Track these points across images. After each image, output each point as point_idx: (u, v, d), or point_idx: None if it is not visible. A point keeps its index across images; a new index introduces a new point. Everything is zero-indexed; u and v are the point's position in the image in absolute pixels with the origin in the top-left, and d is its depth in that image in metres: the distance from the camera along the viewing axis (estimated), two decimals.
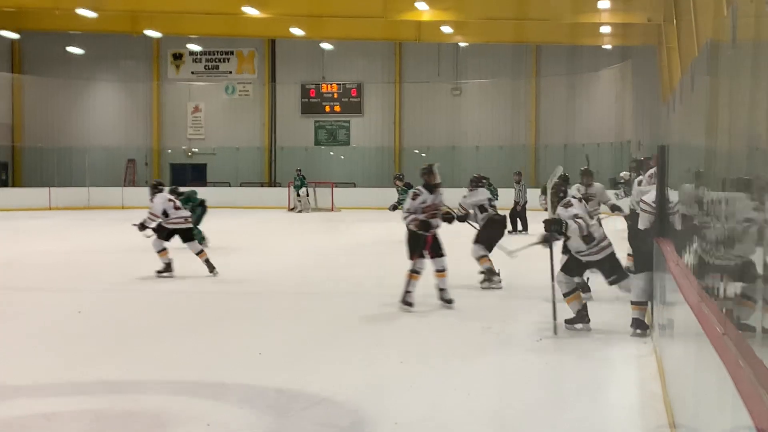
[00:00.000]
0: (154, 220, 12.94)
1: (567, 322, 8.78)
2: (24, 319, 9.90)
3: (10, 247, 18.87)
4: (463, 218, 12.62)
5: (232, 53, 39.72)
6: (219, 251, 15.28)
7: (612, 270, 9.03)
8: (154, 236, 13.10)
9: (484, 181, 13.47)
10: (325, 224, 25.91)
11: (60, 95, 39.78)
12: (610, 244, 9.09)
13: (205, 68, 40.12)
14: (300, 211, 31.65)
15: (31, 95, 39.88)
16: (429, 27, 33.14)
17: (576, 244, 8.93)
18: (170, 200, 13.21)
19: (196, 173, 38.45)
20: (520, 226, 20.33)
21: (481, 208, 12.57)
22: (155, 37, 37.19)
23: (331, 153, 38.93)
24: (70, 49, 38.90)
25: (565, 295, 8.84)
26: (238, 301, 11.30)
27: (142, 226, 12.91)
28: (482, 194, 12.80)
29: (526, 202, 21.02)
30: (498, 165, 36.53)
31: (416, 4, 28.80)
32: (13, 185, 38.24)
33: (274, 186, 37.32)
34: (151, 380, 6.92)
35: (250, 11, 30.19)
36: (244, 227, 24.48)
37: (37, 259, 16.35)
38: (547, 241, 8.88)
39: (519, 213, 20.60)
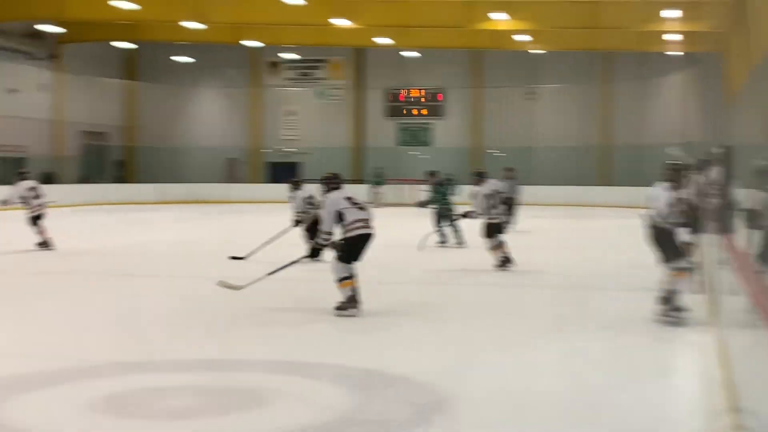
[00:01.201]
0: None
1: None
2: (137, 301, 10.10)
3: (124, 237, 19.32)
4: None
5: (323, 61, 39.98)
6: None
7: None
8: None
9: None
10: (396, 218, 25.78)
11: (169, 100, 40.52)
12: None
13: (298, 75, 40.46)
14: (376, 206, 31.59)
15: (143, 100, 40.66)
16: (506, 36, 32.96)
17: None
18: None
19: (290, 171, 38.70)
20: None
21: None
22: (254, 47, 37.59)
23: (414, 153, 38.92)
24: (179, 58, 39.60)
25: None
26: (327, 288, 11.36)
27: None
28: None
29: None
30: (570, 164, 36.42)
31: (494, 15, 28.73)
32: (127, 181, 39.02)
33: (361, 183, 37.49)
34: (249, 360, 7.00)
35: (340, 22, 30.43)
36: None
37: (147, 247, 16.69)
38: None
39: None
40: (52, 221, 15.91)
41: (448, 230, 16.08)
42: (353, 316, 8.71)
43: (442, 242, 16.13)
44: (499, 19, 29.22)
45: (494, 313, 9.53)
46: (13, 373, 6.49)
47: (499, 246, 12.71)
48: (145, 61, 40.25)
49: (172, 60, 39.70)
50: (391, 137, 39.85)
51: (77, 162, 36.99)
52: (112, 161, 39.76)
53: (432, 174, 17.16)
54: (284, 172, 37.18)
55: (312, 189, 13.53)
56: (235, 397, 5.92)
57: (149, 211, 28.94)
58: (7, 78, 33.10)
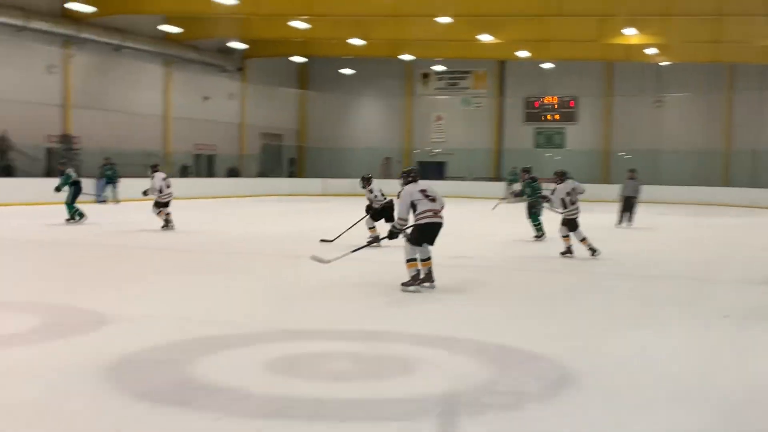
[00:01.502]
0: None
1: None
2: (306, 278, 10.34)
3: (293, 223, 19.81)
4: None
5: (469, 72, 39.90)
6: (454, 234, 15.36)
7: None
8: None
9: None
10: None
11: (334, 107, 41.20)
12: None
13: (446, 85, 40.52)
14: (507, 202, 31.28)
15: (313, 107, 41.56)
16: (637, 49, 32.18)
17: None
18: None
19: (438, 169, 38.86)
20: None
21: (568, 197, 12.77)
22: (408, 60, 37.87)
23: (549, 154, 38.38)
24: (344, 70, 40.24)
25: None
26: (467, 272, 11.38)
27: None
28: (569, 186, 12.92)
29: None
30: (693, 166, 35.39)
31: (626, 30, 28.13)
32: (298, 176, 39.96)
33: (498, 180, 37.22)
34: (399, 332, 7.10)
35: (485, 38, 30.40)
36: (466, 214, 24.58)
37: (311, 233, 17.05)
38: None
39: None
40: (235, 208, 16.40)
41: (534, 221, 15.66)
42: (417, 291, 8.98)
43: (538, 236, 15.54)
44: (630, 34, 28.59)
45: (611, 297, 9.35)
46: (204, 336, 6.78)
47: (568, 237, 12.75)
48: (315, 73, 41.09)
49: (338, 72, 40.38)
50: (529, 140, 39.36)
51: (257, 159, 38.15)
52: (286, 159, 40.80)
53: (526, 170, 16.52)
54: (431, 169, 37.33)
55: (377, 185, 14.39)
56: (387, 364, 6.02)
57: (315, 202, 29.53)
58: (202, 87, 34.42)
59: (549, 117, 39.19)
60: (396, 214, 9.12)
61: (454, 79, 40.35)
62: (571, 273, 11.56)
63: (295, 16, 28.57)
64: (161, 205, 16.33)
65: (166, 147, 32.49)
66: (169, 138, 32.79)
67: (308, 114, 41.79)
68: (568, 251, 12.73)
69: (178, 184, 29.02)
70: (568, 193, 12.81)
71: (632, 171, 20.30)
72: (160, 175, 16.37)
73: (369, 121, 41.61)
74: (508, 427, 4.72)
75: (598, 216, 19.00)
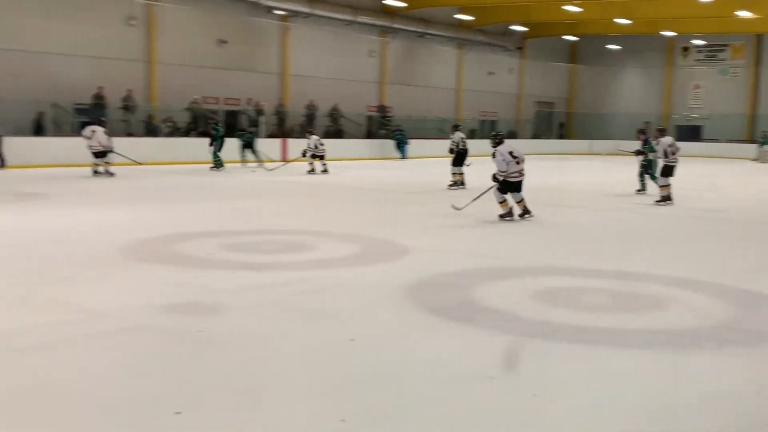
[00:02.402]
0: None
1: None
2: (566, 223, 10.13)
3: (561, 177, 19.35)
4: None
5: (726, 45, 36.31)
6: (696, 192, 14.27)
7: None
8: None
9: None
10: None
11: (600, 78, 39.44)
12: None
13: (705, 57, 37.23)
14: (761, 162, 28.29)
15: (581, 78, 40.07)
16: None
17: None
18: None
19: (694, 132, 36.10)
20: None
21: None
22: (669, 36, 35.33)
23: None
24: (609, 46, 38.39)
25: None
26: (717, 224, 10.55)
27: None
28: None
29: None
30: None
31: None
32: (567, 138, 38.97)
33: (751, 142, 33.72)
34: (651, 273, 6.75)
35: (743, 14, 27.56)
36: (716, 174, 22.55)
37: (575, 185, 16.58)
38: None
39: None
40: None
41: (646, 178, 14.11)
42: (511, 220, 9.87)
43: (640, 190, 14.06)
44: None
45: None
46: (483, 267, 6.87)
47: (667, 185, 12.40)
48: (584, 49, 39.51)
49: (604, 48, 38.53)
50: None
51: (531, 124, 37.63)
52: (556, 123, 39.95)
53: (642, 132, 14.43)
54: (688, 132, 34.75)
55: (460, 133, 15.41)
56: (638, 300, 5.78)
57: (580, 161, 28.68)
58: (487, 64, 34.46)
59: None
60: (497, 168, 9.87)
61: (712, 51, 36.91)
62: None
63: (569, 1, 27.88)
64: (316, 157, 17.69)
65: (457, 114, 33.01)
66: (459, 107, 33.32)
67: (577, 84, 40.39)
68: (668, 198, 12.42)
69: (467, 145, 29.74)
70: (669, 146, 12.56)
71: None
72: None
73: (631, 90, 39.36)
74: (747, 362, 4.37)
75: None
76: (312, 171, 17.87)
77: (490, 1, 28.60)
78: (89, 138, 15.27)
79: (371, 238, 8.43)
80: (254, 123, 22.77)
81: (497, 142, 10.08)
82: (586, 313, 5.36)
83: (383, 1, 27.78)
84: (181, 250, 7.29)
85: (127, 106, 20.68)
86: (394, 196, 14.05)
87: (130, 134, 20.35)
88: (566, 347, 4.52)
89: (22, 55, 19.22)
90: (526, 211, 9.99)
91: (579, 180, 18.63)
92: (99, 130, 15.23)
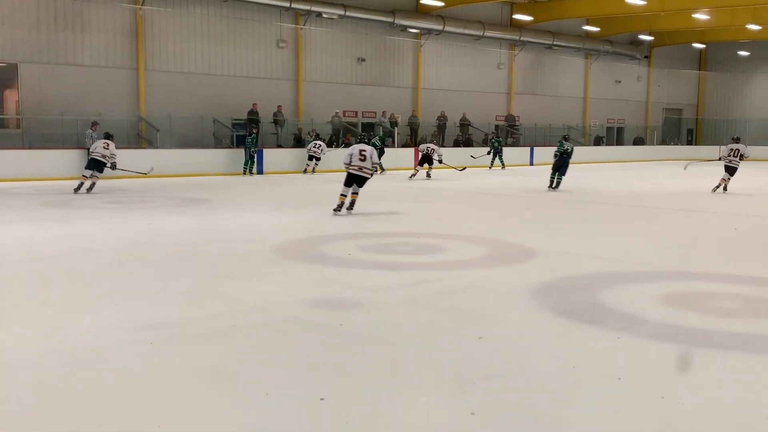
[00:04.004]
0: None
1: None
2: (701, 229, 9.60)
3: (688, 183, 18.30)
4: None
5: None
6: None
7: None
8: None
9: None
10: None
11: (729, 84, 37.06)
12: None
13: None
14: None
15: (710, 85, 37.79)
16: None
17: None
18: None
19: None
20: None
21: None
22: None
23: None
24: (739, 52, 35.99)
25: None
26: None
27: None
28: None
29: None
30: None
31: None
32: (696, 144, 36.88)
33: None
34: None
35: None
36: None
37: (702, 191, 15.65)
38: None
39: None
40: (642, 170, 15.62)
41: None
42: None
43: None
44: None
45: None
46: (611, 271, 6.64)
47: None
48: (713, 56, 37.23)
49: (734, 54, 36.15)
50: None
51: (659, 130, 35.89)
52: (685, 129, 37.90)
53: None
54: None
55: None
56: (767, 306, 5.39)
57: (711, 166, 26.93)
58: (614, 73, 33.28)
59: None
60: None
61: None
62: None
63: (696, 9, 26.37)
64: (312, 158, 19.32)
65: (584, 122, 32.08)
66: (586, 115, 32.29)
67: (705, 91, 38.08)
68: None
69: (591, 152, 28.83)
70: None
71: None
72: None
73: (761, 95, 36.61)
74: None
75: None
76: (305, 171, 19.51)
77: (617, 12, 27.51)
78: (106, 148, 13.35)
79: (498, 241, 8.34)
80: (389, 134, 23.10)
81: (360, 140, 11.75)
82: (715, 318, 5.04)
83: (513, 16, 27.47)
84: (324, 251, 7.51)
85: (277, 121, 21.55)
86: (515, 200, 13.83)
87: (279, 146, 21.20)
88: (695, 351, 4.28)
89: (189, 77, 20.52)
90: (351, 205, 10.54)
91: (709, 186, 17.53)
92: (111, 144, 13.46)
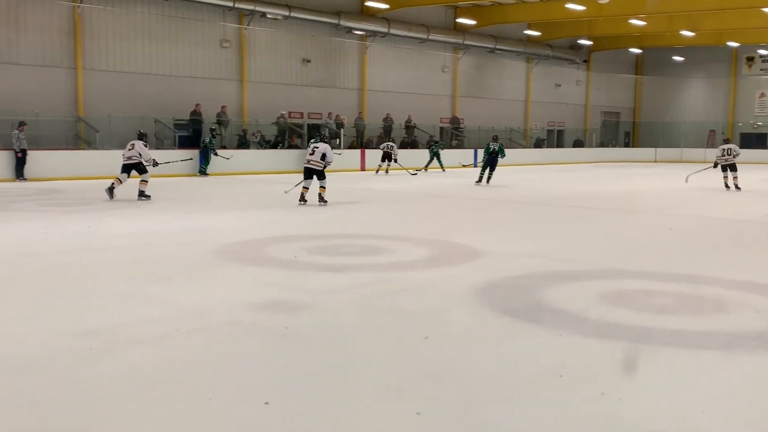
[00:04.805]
0: None
1: None
2: (633, 228, 9.81)
3: (626, 184, 18.80)
4: None
5: None
6: None
7: None
8: None
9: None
10: None
11: (664, 88, 38.22)
12: None
13: None
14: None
15: (646, 89, 38.94)
16: None
17: None
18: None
19: (760, 139, 34.58)
20: None
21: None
22: (733, 46, 33.95)
23: None
24: (674, 57, 37.17)
25: None
26: None
27: None
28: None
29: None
30: None
31: None
32: (633, 146, 37.91)
33: None
34: (715, 277, 6.49)
35: None
36: None
37: (639, 192, 16.07)
38: None
39: None
40: (581, 172, 15.98)
41: None
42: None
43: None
44: None
45: None
46: (553, 270, 6.71)
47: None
48: (649, 61, 38.36)
49: (669, 59, 37.32)
50: None
51: (598, 132, 36.78)
52: (622, 132, 38.91)
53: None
54: (753, 140, 33.36)
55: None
56: (702, 303, 5.55)
57: (645, 168, 27.81)
58: (554, 77, 33.93)
59: None
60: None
61: None
62: None
63: (634, 15, 27.18)
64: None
65: (526, 124, 32.64)
66: (528, 117, 32.87)
67: (642, 94, 39.21)
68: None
69: (532, 154, 29.44)
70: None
71: None
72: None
73: (695, 99, 37.91)
74: None
75: None
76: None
77: (558, 17, 28.09)
78: (130, 150, 12.76)
79: (442, 242, 8.39)
80: (335, 135, 23.05)
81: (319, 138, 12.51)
82: (652, 314, 5.17)
83: (456, 20, 27.76)
84: (269, 253, 7.42)
85: (221, 121, 21.24)
86: (460, 201, 13.96)
87: (223, 147, 20.90)
88: (632, 347, 4.38)
89: (130, 76, 20.04)
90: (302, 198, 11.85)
91: (650, 187, 18.05)
92: (138, 143, 12.82)
